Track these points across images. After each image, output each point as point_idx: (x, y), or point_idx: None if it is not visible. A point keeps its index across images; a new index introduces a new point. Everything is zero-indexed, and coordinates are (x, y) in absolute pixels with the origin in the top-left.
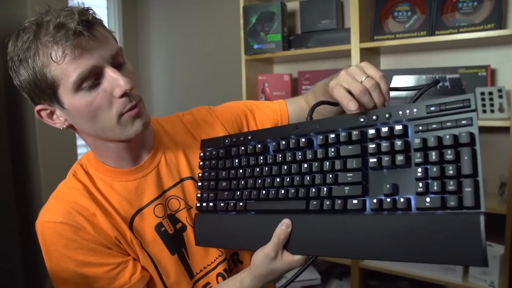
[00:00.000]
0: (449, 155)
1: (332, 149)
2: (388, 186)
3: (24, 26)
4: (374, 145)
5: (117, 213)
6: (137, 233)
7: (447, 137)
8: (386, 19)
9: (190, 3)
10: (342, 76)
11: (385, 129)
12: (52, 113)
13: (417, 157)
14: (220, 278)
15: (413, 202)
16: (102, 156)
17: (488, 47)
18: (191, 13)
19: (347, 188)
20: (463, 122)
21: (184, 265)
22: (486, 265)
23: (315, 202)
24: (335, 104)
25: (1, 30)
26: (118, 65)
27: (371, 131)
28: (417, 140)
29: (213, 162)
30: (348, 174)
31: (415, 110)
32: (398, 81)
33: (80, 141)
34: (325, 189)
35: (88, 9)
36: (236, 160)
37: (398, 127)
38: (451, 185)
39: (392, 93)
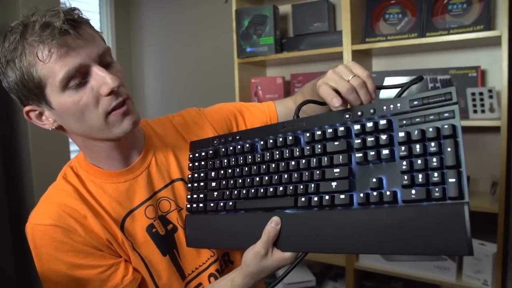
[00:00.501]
0: (432, 147)
1: (319, 146)
2: (374, 180)
3: (11, 27)
4: (359, 140)
5: (108, 215)
6: (128, 235)
7: (430, 129)
8: (377, 22)
9: (183, 7)
10: (329, 75)
11: (370, 124)
12: (41, 114)
13: (402, 151)
14: (212, 279)
15: (399, 195)
16: (92, 158)
17: (478, 48)
18: (183, 16)
19: (334, 183)
20: (446, 114)
21: (176, 266)
22: (471, 253)
23: (303, 199)
24: (322, 103)
25: None
26: (106, 64)
27: (356, 127)
28: (401, 134)
29: (203, 163)
30: (335, 170)
31: (398, 104)
32: (390, 82)
33: (73, 145)
34: (312, 185)
35: (74, 9)
36: (225, 160)
37: (383, 122)
38: (435, 177)
39: (383, 94)
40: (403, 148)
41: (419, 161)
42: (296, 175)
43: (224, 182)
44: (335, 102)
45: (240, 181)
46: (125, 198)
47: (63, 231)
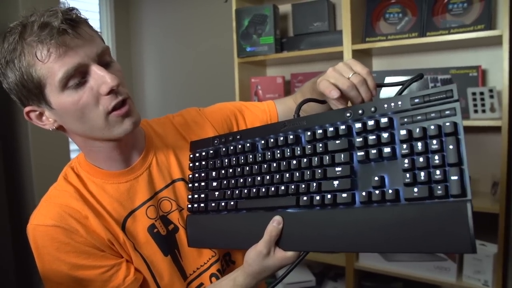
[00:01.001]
0: (434, 145)
1: (320, 145)
2: (376, 178)
3: (10, 28)
4: (361, 139)
5: (109, 215)
6: (130, 235)
7: (432, 127)
8: (377, 21)
9: (183, 7)
10: (329, 73)
11: (371, 123)
12: (41, 115)
13: (404, 149)
14: (213, 279)
15: (401, 193)
16: (92, 158)
17: (479, 48)
18: (183, 16)
19: (336, 182)
20: (447, 112)
21: (177, 266)
22: (474, 251)
23: (305, 198)
24: (322, 102)
25: None
26: (105, 64)
27: (358, 125)
28: (402, 132)
29: (203, 163)
30: (336, 169)
31: (399, 102)
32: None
33: (73, 145)
34: (314, 184)
35: (72, 8)
36: (226, 160)
37: (384, 120)
38: (437, 175)
39: (383, 94)
40: (404, 146)
41: (421, 159)
42: (297, 174)
43: (225, 182)
44: (334, 94)
45: (241, 180)
46: (126, 198)
47: (64, 231)
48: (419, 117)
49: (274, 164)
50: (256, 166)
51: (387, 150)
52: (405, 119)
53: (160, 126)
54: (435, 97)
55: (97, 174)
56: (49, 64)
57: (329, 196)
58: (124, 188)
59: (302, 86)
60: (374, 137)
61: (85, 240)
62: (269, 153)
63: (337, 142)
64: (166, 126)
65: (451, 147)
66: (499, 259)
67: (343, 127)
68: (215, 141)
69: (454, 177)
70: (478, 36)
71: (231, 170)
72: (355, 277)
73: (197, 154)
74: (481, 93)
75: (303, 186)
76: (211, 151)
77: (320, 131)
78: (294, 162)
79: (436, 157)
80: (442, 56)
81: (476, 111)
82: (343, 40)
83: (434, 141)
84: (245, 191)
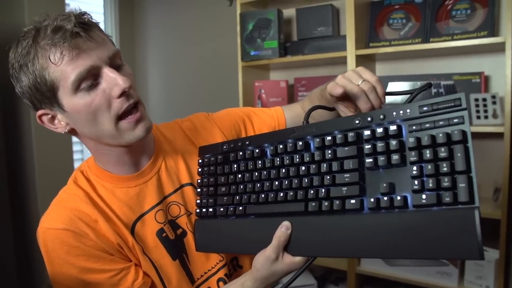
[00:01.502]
0: (442, 152)
1: (329, 151)
2: (384, 185)
3: (23, 32)
4: (369, 146)
5: (118, 219)
6: (139, 239)
7: (440, 135)
8: (381, 27)
9: (187, 10)
10: (339, 79)
11: (380, 130)
12: (53, 118)
13: (412, 156)
14: (221, 283)
15: (409, 199)
16: (102, 162)
17: (482, 54)
18: (188, 19)
19: (344, 188)
20: (455, 120)
21: (185, 271)
22: (482, 258)
23: (313, 204)
24: (331, 109)
25: None
26: (116, 67)
27: (367, 132)
28: (411, 140)
29: (212, 168)
30: (345, 175)
31: (408, 110)
32: (394, 87)
33: (76, 146)
34: (323, 190)
35: (84, 13)
36: (235, 165)
37: (393, 128)
38: (445, 182)
39: (389, 99)
40: (413, 153)
41: (429, 167)
42: (306, 180)
43: (234, 187)
44: (338, 90)
45: (250, 186)
46: (135, 202)
47: (74, 235)
48: (427, 125)
49: (283, 170)
50: (265, 172)
51: (395, 157)
52: (414, 127)
53: (169, 130)
54: (443, 105)
55: (107, 178)
56: (62, 66)
57: (337, 202)
58: (133, 192)
59: (310, 93)
60: (383, 144)
61: (95, 244)
62: (278, 159)
63: (346, 149)
64: (175, 130)
65: (459, 155)
66: (501, 264)
67: (352, 134)
68: (224, 147)
69: (462, 185)
70: (481, 43)
71: (240, 176)
72: (356, 281)
73: (206, 160)
74: (484, 99)
75: (312, 192)
76: (220, 157)
77: (329, 138)
78: (303, 168)
79: (445, 164)
80: (445, 62)
81: (478, 117)
82: (346, 45)
83: (443, 149)
84: (254, 196)
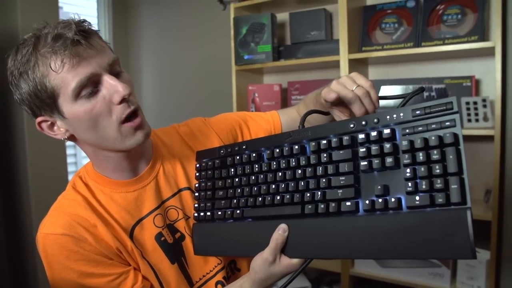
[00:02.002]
0: (435, 155)
1: (325, 155)
2: (379, 187)
3: (23, 40)
4: (364, 149)
5: (117, 224)
6: (137, 243)
7: (433, 138)
8: (373, 31)
9: (181, 14)
10: (334, 85)
11: (374, 133)
12: (53, 125)
13: (406, 159)
14: (219, 286)
15: (403, 201)
16: (101, 167)
17: (472, 59)
18: (182, 23)
19: (340, 191)
20: (447, 123)
21: (184, 274)
22: (474, 257)
23: (310, 206)
24: (326, 113)
25: None
26: (115, 74)
27: (361, 136)
28: (404, 143)
29: (209, 172)
30: (340, 178)
31: (401, 114)
32: (386, 91)
33: (70, 150)
34: (319, 193)
35: (84, 20)
36: (232, 169)
37: (387, 131)
38: (438, 183)
39: (382, 102)
40: (406, 156)
41: (423, 169)
42: (302, 183)
43: (231, 191)
44: (332, 95)
45: (247, 189)
46: (134, 207)
47: (73, 240)
48: (420, 128)
49: (280, 174)
50: (261, 176)
51: (389, 160)
52: (407, 130)
53: (166, 135)
54: (435, 109)
55: (105, 184)
56: (62, 74)
57: (333, 204)
58: (132, 197)
59: (306, 97)
60: (377, 147)
61: (94, 249)
62: (274, 163)
63: (341, 152)
64: (172, 135)
65: (451, 157)
66: (492, 265)
67: (346, 137)
68: (221, 151)
69: (454, 186)
70: (471, 47)
71: (237, 179)
72: (350, 283)
73: (203, 164)
74: (475, 103)
75: (308, 195)
76: (218, 161)
77: (324, 141)
78: (299, 171)
79: (437, 166)
80: (436, 66)
81: (469, 120)
82: (339, 49)
83: (435, 151)
84: (251, 200)
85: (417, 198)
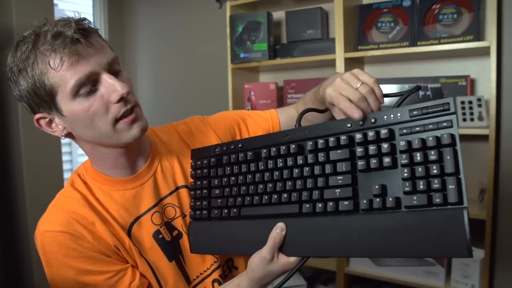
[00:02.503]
0: (432, 155)
1: (322, 154)
2: (377, 187)
3: (23, 37)
4: (362, 149)
5: (115, 221)
6: (135, 241)
7: (430, 138)
8: (369, 30)
9: (177, 12)
10: (339, 84)
11: (371, 133)
12: (51, 122)
13: (403, 159)
14: (216, 284)
15: (401, 201)
16: (99, 165)
17: (468, 58)
18: (177, 21)
19: (338, 190)
20: (444, 124)
21: (182, 272)
22: (470, 256)
23: (307, 205)
24: (323, 111)
25: None
26: (114, 72)
27: (359, 136)
28: (402, 143)
29: (205, 170)
30: (338, 177)
31: (399, 114)
32: (384, 90)
33: (65, 148)
34: (317, 192)
35: (84, 19)
36: (228, 168)
37: (384, 131)
38: (435, 183)
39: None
40: (404, 156)
41: (420, 169)
42: (300, 183)
43: (228, 190)
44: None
45: (244, 188)
46: (132, 204)
47: (72, 237)
48: (417, 129)
49: (277, 173)
50: (258, 175)
51: (387, 160)
52: (404, 130)
53: (164, 133)
54: (433, 110)
55: (104, 181)
56: (61, 72)
57: (331, 203)
58: (130, 195)
59: (304, 96)
60: (374, 147)
61: (92, 246)
62: (271, 162)
63: (339, 152)
64: (170, 133)
65: (448, 157)
66: (486, 264)
67: (344, 137)
68: (217, 150)
69: (452, 186)
70: (467, 47)
71: (233, 178)
72: (345, 282)
73: (199, 162)
74: (470, 102)
75: (306, 194)
76: (213, 160)
77: (322, 141)
78: (297, 170)
79: (435, 167)
80: (432, 65)
81: (464, 120)
82: (335, 48)
83: (433, 152)
84: (248, 198)
85: (415, 198)
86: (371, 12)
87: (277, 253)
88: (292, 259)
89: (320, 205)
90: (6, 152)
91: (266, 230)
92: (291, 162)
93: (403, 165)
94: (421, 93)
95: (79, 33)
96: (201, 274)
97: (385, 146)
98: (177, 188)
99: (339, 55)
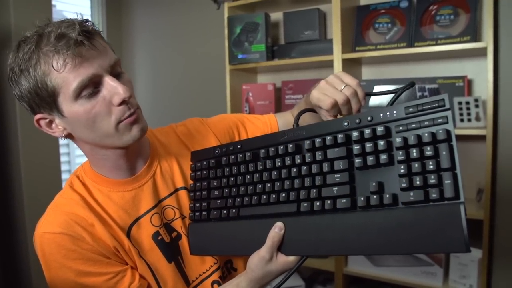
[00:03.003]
0: (428, 151)
1: (319, 153)
2: (374, 184)
3: (25, 37)
4: (358, 147)
5: (115, 223)
6: (135, 242)
7: (426, 135)
8: (367, 31)
9: (175, 13)
10: (324, 86)
11: (368, 131)
12: (51, 122)
13: (400, 155)
14: (215, 286)
15: (398, 197)
16: (98, 167)
17: (465, 59)
18: (175, 22)
19: (335, 188)
20: (439, 120)
21: (181, 273)
22: (468, 250)
23: (305, 204)
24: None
25: None
26: (116, 75)
27: (355, 134)
28: (398, 140)
29: (204, 172)
30: (336, 175)
31: (395, 112)
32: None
33: (63, 149)
34: (314, 191)
35: (87, 20)
36: (227, 169)
37: (380, 129)
38: (432, 179)
39: (375, 101)
40: (400, 152)
41: (416, 165)
42: (298, 182)
43: (227, 190)
44: (329, 102)
45: (243, 188)
46: (131, 206)
47: (71, 239)
48: (413, 125)
49: (275, 172)
50: (257, 175)
51: (383, 157)
52: (400, 127)
53: (163, 135)
54: (428, 106)
55: (103, 183)
56: (64, 74)
57: (329, 202)
58: (129, 196)
59: (299, 102)
60: (371, 144)
61: (91, 247)
62: (269, 162)
63: (336, 150)
64: (169, 135)
65: (444, 153)
66: (484, 264)
67: (341, 135)
68: (216, 151)
69: (448, 181)
70: (464, 48)
71: (232, 179)
72: (344, 282)
73: (198, 164)
74: (467, 103)
75: (304, 192)
76: (213, 161)
77: (319, 140)
78: (295, 170)
79: (431, 162)
80: (429, 66)
81: (462, 120)
82: (333, 49)
83: (428, 148)
84: (247, 199)
85: (412, 194)
86: (369, 13)
87: (276, 252)
88: (291, 258)
89: (318, 203)
90: (4, 152)
91: (265, 230)
92: (289, 162)
93: (400, 162)
94: (418, 93)
95: (82, 35)
96: (200, 275)
97: (381, 143)
98: (176, 190)
99: (337, 56)
